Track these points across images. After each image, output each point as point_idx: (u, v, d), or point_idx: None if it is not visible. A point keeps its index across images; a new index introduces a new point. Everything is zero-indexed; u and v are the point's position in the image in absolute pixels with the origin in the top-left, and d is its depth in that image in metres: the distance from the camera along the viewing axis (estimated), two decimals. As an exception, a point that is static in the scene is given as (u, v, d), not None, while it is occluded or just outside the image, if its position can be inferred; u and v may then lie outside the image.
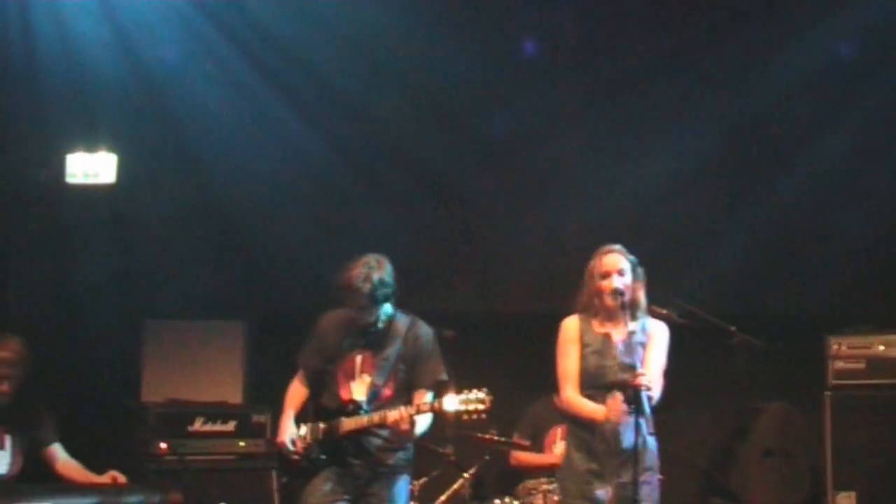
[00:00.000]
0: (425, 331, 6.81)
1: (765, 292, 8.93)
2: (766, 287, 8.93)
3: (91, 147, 8.95)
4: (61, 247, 9.11)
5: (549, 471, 7.82)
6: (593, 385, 6.25)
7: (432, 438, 8.03)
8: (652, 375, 6.16)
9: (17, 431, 6.97)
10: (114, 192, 9.03)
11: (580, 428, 6.29)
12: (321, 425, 6.70)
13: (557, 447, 8.05)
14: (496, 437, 7.99)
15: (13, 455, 6.94)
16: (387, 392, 6.69)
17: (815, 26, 8.65)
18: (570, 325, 6.41)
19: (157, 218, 9.19)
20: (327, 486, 6.61)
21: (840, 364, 8.34)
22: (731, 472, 8.63)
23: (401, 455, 6.73)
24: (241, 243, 9.15)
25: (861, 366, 8.28)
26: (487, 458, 8.07)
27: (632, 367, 6.08)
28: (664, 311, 7.62)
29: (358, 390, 6.69)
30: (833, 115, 8.82)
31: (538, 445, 8.31)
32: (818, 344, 8.39)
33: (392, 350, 6.70)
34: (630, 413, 6.06)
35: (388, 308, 6.71)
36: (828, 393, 8.32)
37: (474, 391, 6.48)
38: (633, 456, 6.04)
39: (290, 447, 6.69)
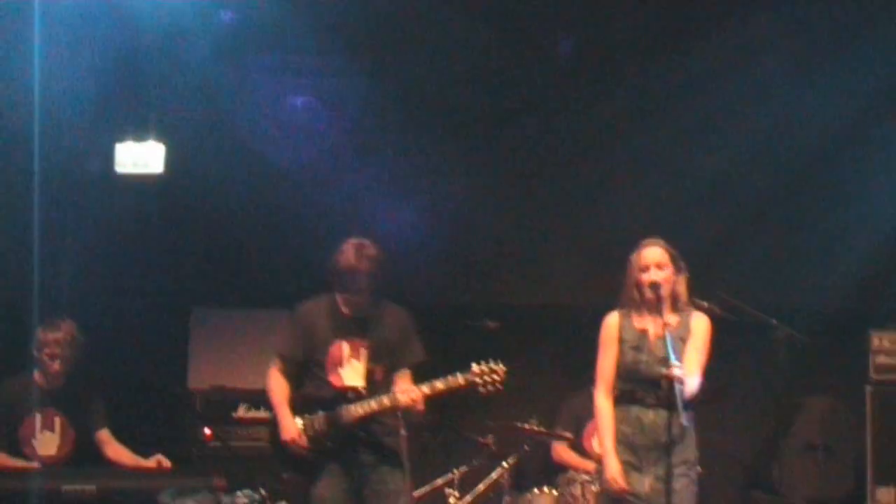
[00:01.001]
0: (403, 312, 6.86)
1: (808, 286, 8.92)
2: (809, 281, 8.92)
3: (140, 137, 9.05)
4: (112, 236, 9.23)
5: (589, 474, 7.86)
6: (631, 379, 6.25)
7: (474, 428, 8.17)
8: (689, 369, 6.13)
9: (67, 415, 7.11)
10: (162, 182, 9.14)
11: (619, 421, 6.29)
12: (321, 415, 6.66)
13: (596, 440, 8.08)
14: (536, 428, 8.03)
15: (62, 438, 7.08)
16: (378, 376, 6.71)
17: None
18: (611, 323, 6.40)
19: (205, 208, 9.27)
20: (337, 478, 6.61)
21: (882, 358, 8.38)
22: (772, 466, 8.62)
23: (399, 439, 6.67)
24: (289, 233, 9.22)
25: (903, 361, 8.32)
26: (526, 448, 8.12)
27: (666, 361, 6.04)
28: (706, 304, 7.64)
29: (351, 377, 6.70)
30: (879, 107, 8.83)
31: (579, 437, 8.33)
32: (860, 338, 8.40)
33: (377, 334, 6.72)
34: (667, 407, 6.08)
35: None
36: (869, 387, 8.35)
37: (489, 362, 6.56)
38: (668, 449, 6.04)
39: (301, 443, 6.61)
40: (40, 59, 8.15)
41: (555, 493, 7.88)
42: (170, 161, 9.07)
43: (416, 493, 7.58)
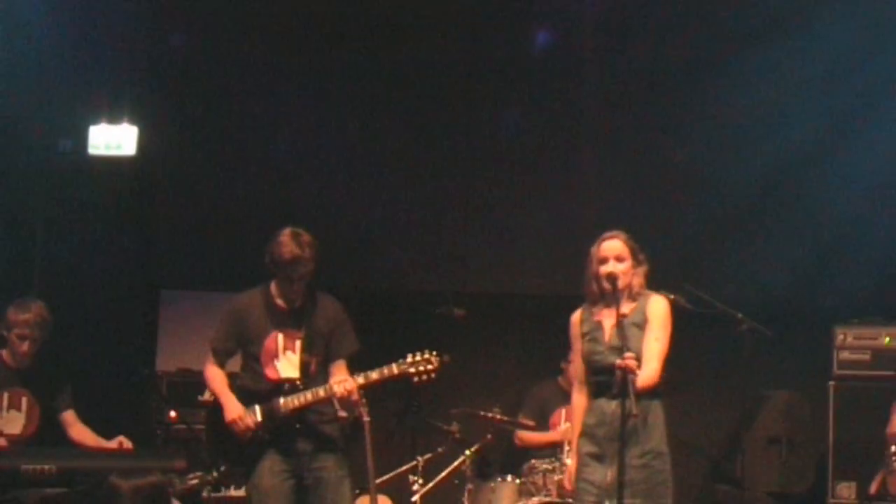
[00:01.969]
0: (336, 303, 6.88)
1: (772, 280, 8.94)
2: (774, 275, 8.95)
3: (113, 119, 9.06)
4: (83, 217, 9.24)
5: (552, 448, 7.94)
6: (594, 370, 6.28)
7: (438, 416, 8.21)
8: (646, 357, 6.15)
9: (34, 394, 7.10)
10: (135, 164, 9.14)
11: (587, 413, 6.29)
12: (258, 407, 6.67)
13: (563, 428, 8.13)
14: (499, 416, 8.07)
15: (28, 417, 7.07)
16: (313, 368, 6.74)
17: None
18: (574, 319, 6.43)
19: (176, 190, 9.29)
20: (276, 468, 6.63)
21: (845, 354, 8.42)
22: (736, 459, 8.65)
23: (336, 427, 6.73)
24: (259, 216, 9.22)
25: (866, 357, 8.37)
26: (489, 436, 8.16)
27: (620, 350, 6.04)
28: (672, 297, 7.66)
29: (287, 369, 6.72)
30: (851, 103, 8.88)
31: (543, 426, 8.36)
32: (824, 333, 8.45)
33: (311, 325, 6.75)
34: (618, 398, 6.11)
35: None
36: (832, 383, 8.39)
37: (424, 353, 6.63)
38: (622, 440, 6.02)
39: (248, 422, 6.61)
40: (10, 39, 8.16)
41: (517, 481, 7.92)
42: (142, 143, 9.10)
43: (380, 480, 7.63)
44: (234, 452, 6.72)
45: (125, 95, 9.03)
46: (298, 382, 6.68)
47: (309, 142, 9.23)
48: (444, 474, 8.04)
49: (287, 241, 6.67)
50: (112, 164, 9.11)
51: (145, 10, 8.88)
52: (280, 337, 6.75)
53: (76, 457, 6.74)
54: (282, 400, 6.64)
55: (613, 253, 6.29)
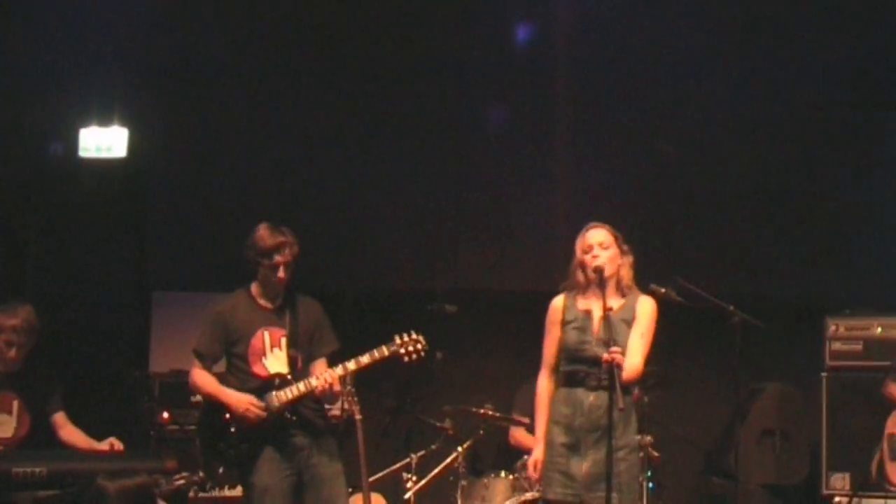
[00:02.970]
0: (316, 303, 6.97)
1: (764, 272, 8.96)
2: (766, 267, 8.97)
3: (104, 121, 9.07)
4: (74, 219, 9.25)
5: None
6: (575, 360, 6.29)
7: (431, 412, 8.21)
8: (630, 353, 6.19)
9: (24, 397, 7.10)
10: (125, 166, 9.16)
11: (560, 402, 6.34)
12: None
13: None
14: (492, 413, 8.07)
15: (19, 420, 7.08)
16: (300, 363, 6.79)
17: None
18: (555, 305, 6.45)
19: (167, 192, 9.30)
20: (276, 465, 6.66)
21: (837, 345, 8.41)
22: (729, 452, 8.65)
23: (328, 421, 6.89)
24: (250, 217, 9.21)
25: (858, 347, 8.36)
26: (482, 432, 8.16)
27: (608, 344, 6.09)
28: (663, 291, 7.66)
29: (275, 364, 6.77)
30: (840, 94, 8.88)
31: (534, 422, 8.35)
32: (816, 325, 8.45)
33: (294, 322, 6.81)
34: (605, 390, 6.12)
35: None
36: (824, 374, 8.39)
37: (411, 333, 6.75)
38: (608, 431, 6.07)
39: (258, 407, 6.63)
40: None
41: (510, 477, 7.92)
42: (133, 145, 9.10)
43: (373, 478, 7.63)
44: (229, 452, 6.73)
45: (115, 98, 9.05)
46: (288, 376, 6.72)
47: (298, 143, 9.23)
48: (436, 471, 8.03)
49: (267, 231, 6.81)
50: (103, 167, 9.14)
51: (134, 11, 8.86)
52: (266, 334, 6.81)
53: (67, 458, 6.76)
54: (274, 394, 6.67)
55: (598, 241, 6.33)
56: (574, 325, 6.32)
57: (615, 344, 6.08)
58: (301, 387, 6.66)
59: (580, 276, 6.37)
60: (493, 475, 7.96)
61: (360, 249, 9.13)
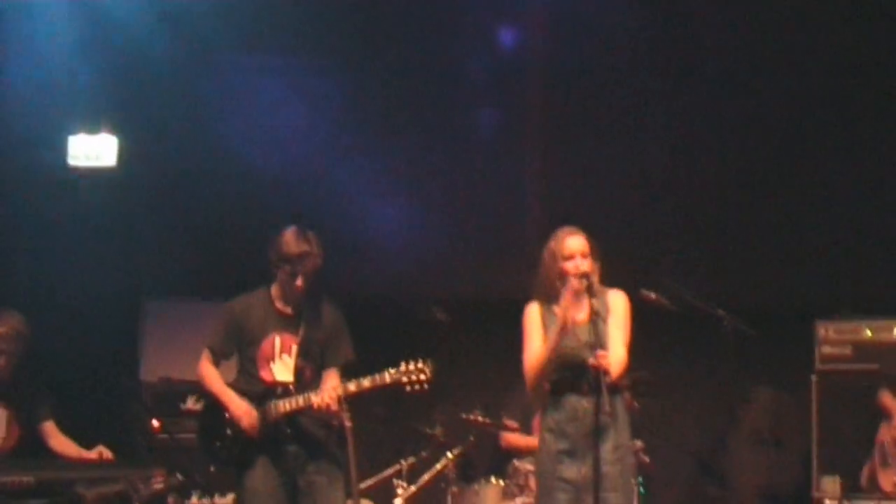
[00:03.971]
0: (336, 310, 6.88)
1: (753, 276, 8.96)
2: (755, 271, 8.97)
3: (93, 129, 9.08)
4: (64, 227, 9.24)
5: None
6: (561, 366, 6.27)
7: (421, 419, 8.20)
8: (614, 343, 6.17)
9: (13, 407, 7.11)
10: (114, 174, 9.16)
11: (552, 409, 6.33)
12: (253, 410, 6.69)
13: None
14: (481, 419, 8.07)
15: (8, 430, 7.08)
16: (308, 373, 6.74)
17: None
18: (533, 310, 6.42)
19: (156, 200, 9.29)
20: (268, 472, 6.63)
21: (827, 349, 8.39)
22: (722, 458, 8.67)
23: (329, 430, 6.75)
24: (239, 225, 9.24)
25: (847, 351, 8.34)
26: (472, 438, 8.16)
27: (594, 348, 6.05)
28: (653, 296, 7.69)
29: (281, 372, 6.73)
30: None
31: (527, 428, 8.35)
32: (806, 328, 8.45)
33: (309, 331, 6.74)
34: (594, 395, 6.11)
35: None
36: (814, 377, 8.37)
37: (417, 361, 6.53)
38: (597, 435, 6.07)
39: (257, 414, 6.61)
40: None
41: (501, 483, 7.92)
42: (122, 154, 9.10)
43: (364, 485, 7.62)
44: (222, 453, 6.73)
45: (104, 105, 9.05)
46: (291, 387, 6.68)
47: (291, 150, 9.22)
48: (426, 478, 8.03)
49: (293, 237, 6.69)
50: (92, 175, 9.14)
51: (123, 19, 8.86)
52: (277, 340, 6.76)
53: (55, 468, 6.77)
54: (273, 403, 6.64)
55: (579, 249, 6.29)
56: (555, 331, 6.27)
57: (602, 348, 6.04)
58: (300, 401, 6.59)
59: (558, 284, 6.28)
60: (483, 481, 7.97)
61: (352, 256, 9.11)
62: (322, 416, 6.62)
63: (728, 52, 8.83)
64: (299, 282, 6.67)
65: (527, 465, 7.83)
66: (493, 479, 7.96)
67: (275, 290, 6.81)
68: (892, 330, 8.32)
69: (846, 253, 8.80)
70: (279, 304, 6.80)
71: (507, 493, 7.88)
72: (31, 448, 7.11)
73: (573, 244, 6.31)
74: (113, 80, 8.96)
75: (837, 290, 8.77)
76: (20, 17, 8.71)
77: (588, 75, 8.98)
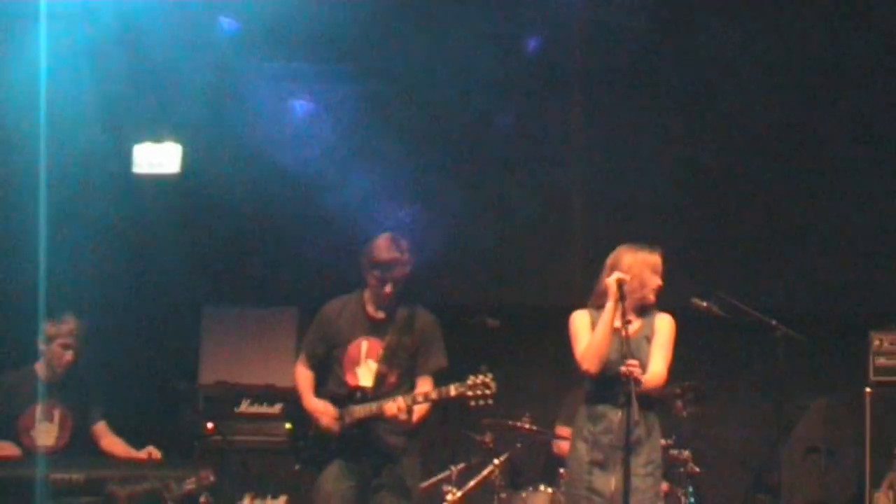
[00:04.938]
0: (429, 317, 6.90)
1: (807, 287, 8.88)
2: (809, 281, 8.88)
3: (157, 138, 9.25)
4: (128, 234, 9.42)
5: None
6: (599, 377, 6.33)
7: (470, 426, 8.23)
8: (653, 368, 6.22)
9: (66, 407, 7.27)
10: (178, 182, 9.33)
11: (586, 419, 6.37)
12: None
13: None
14: (528, 426, 8.08)
15: (60, 428, 7.24)
16: (391, 379, 6.75)
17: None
18: (582, 315, 6.51)
19: (219, 208, 9.44)
20: (340, 473, 6.69)
21: (882, 360, 8.30)
22: (775, 469, 8.58)
23: (407, 438, 6.77)
24: (296, 234, 9.35)
25: (903, 363, 8.25)
26: (519, 445, 8.17)
27: (625, 358, 6.08)
28: (705, 304, 7.68)
29: (364, 377, 6.77)
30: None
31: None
32: (860, 339, 8.35)
33: (396, 337, 6.77)
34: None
35: None
36: (868, 389, 8.27)
37: (480, 376, 6.51)
38: (629, 448, 6.10)
39: (336, 415, 6.69)
40: (52, 61, 8.36)
41: (549, 490, 7.92)
42: (186, 161, 9.27)
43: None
44: (304, 452, 6.85)
45: (168, 114, 9.22)
46: (368, 392, 6.73)
47: (347, 158, 9.30)
48: (472, 484, 8.06)
49: (386, 243, 6.77)
50: (156, 182, 9.31)
51: (187, 29, 9.01)
52: (364, 344, 6.83)
53: (105, 466, 6.91)
54: (350, 408, 6.71)
55: (659, 267, 6.41)
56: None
57: (633, 358, 6.08)
58: (373, 407, 6.64)
59: (636, 295, 6.34)
60: (531, 489, 7.98)
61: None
62: (393, 426, 6.66)
63: (773, 52, 8.74)
64: (388, 288, 6.74)
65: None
66: (542, 487, 7.96)
67: (367, 294, 6.88)
68: (948, 342, 8.22)
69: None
70: (370, 309, 6.86)
71: (555, 501, 7.88)
72: (83, 447, 7.25)
73: (659, 259, 6.42)
74: (176, 90, 9.11)
75: (893, 300, 8.64)
76: (87, 29, 8.87)
77: (629, 79, 8.96)
